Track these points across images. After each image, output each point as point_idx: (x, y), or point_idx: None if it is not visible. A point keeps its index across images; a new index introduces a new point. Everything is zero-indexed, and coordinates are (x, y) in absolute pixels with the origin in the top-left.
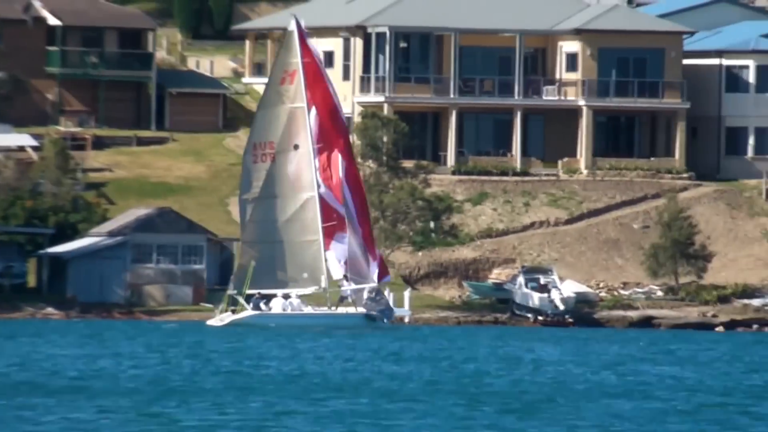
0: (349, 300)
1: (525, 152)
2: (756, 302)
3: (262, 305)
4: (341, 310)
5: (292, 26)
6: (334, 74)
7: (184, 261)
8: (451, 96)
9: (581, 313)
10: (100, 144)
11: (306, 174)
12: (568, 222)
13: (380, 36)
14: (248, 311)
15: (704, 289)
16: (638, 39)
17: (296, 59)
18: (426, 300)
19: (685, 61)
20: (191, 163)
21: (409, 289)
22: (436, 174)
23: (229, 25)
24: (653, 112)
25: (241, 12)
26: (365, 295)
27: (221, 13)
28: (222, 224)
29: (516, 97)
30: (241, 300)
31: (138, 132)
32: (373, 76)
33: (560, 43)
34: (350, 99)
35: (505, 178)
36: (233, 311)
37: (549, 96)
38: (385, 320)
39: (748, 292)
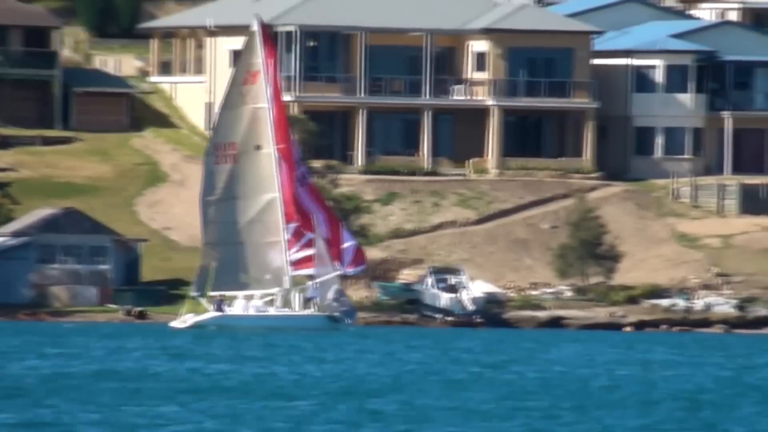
0: (315, 301)
1: (434, 152)
2: (664, 302)
3: (224, 307)
4: (305, 311)
5: (255, 27)
6: None
7: (90, 261)
8: (360, 95)
9: (490, 313)
10: (4, 143)
11: (268, 175)
12: (478, 222)
13: (288, 35)
14: (211, 313)
15: (613, 289)
16: (547, 39)
17: (258, 59)
18: None
19: (594, 61)
20: (97, 163)
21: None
22: (345, 174)
23: (135, 23)
24: (562, 112)
25: (148, 10)
26: (329, 294)
27: (127, 11)
28: (128, 225)
29: (425, 96)
30: (203, 302)
31: (43, 131)
32: (281, 75)
33: (469, 43)
34: None
35: (414, 178)
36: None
37: (458, 96)
38: (348, 321)
39: (656, 292)
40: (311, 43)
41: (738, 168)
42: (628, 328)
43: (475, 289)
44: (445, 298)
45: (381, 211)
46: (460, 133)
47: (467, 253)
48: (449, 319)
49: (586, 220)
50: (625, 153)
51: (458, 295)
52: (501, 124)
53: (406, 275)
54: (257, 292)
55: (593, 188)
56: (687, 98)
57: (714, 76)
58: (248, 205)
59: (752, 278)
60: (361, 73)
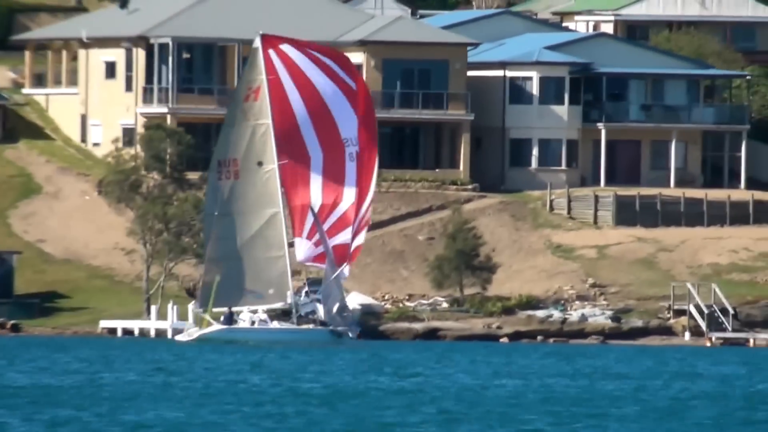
0: (316, 316)
1: None
2: (540, 314)
3: (236, 319)
4: (306, 325)
5: (257, 43)
6: (116, 85)
7: None
8: None
9: (367, 325)
10: None
11: (270, 191)
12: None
13: (163, 47)
14: (216, 326)
15: (489, 300)
16: (423, 50)
17: (261, 75)
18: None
19: (470, 73)
20: None
21: (193, 302)
22: None
23: (8, 35)
24: (438, 124)
25: (21, 22)
26: (334, 309)
27: (0, 22)
28: (1, 237)
29: None
30: (207, 317)
31: None
32: (156, 87)
33: (345, 55)
34: (133, 110)
35: None
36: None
37: None
38: (350, 335)
39: (532, 303)
40: (186, 55)
41: (612, 179)
42: (504, 339)
43: (350, 301)
44: (320, 310)
45: None
46: None
47: None
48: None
49: (462, 232)
50: (500, 164)
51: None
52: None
53: None
54: (261, 307)
55: (469, 200)
56: (562, 110)
57: (588, 87)
58: (251, 221)
59: (627, 289)
60: (236, 84)
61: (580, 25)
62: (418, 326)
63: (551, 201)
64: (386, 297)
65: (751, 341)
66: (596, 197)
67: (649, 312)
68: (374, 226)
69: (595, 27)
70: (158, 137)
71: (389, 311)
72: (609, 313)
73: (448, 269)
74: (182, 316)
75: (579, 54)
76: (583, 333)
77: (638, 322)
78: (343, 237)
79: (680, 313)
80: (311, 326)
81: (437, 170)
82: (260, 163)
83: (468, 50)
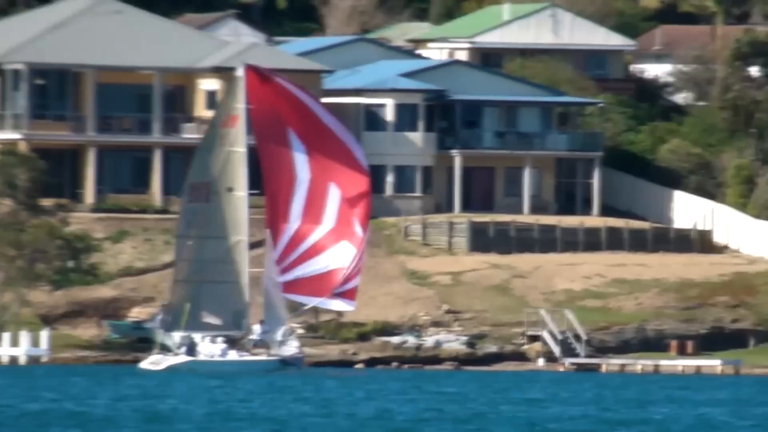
0: (262, 342)
1: (165, 190)
2: (395, 340)
3: (197, 350)
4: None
5: (240, 72)
6: None
7: None
8: (90, 133)
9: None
10: None
11: (238, 217)
12: None
13: (16, 73)
14: (183, 357)
15: (344, 326)
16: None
17: (240, 104)
18: (65, 339)
19: (325, 100)
20: None
21: (47, 329)
22: (75, 212)
23: None
24: None
25: None
26: (278, 336)
27: None
28: None
29: (155, 134)
30: (170, 341)
31: None
32: (9, 113)
33: (199, 81)
34: None
35: (145, 216)
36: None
37: (189, 134)
38: (299, 365)
39: (387, 329)
40: (39, 81)
41: (467, 206)
42: (359, 366)
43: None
44: (176, 336)
45: (111, 249)
46: None
47: None
48: None
49: None
50: None
51: (189, 333)
52: None
53: (136, 313)
54: (218, 334)
55: None
56: (416, 137)
57: (443, 114)
58: (215, 246)
59: (481, 315)
60: (90, 110)
61: (434, 53)
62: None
63: (406, 227)
64: None
65: (603, 367)
66: (451, 224)
67: (503, 338)
68: None
69: (450, 54)
70: (11, 163)
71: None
72: (463, 339)
73: None
74: (35, 342)
75: (434, 81)
76: (437, 359)
77: (493, 348)
78: (315, 266)
79: (534, 338)
80: (264, 356)
81: None
82: (230, 189)
83: (323, 77)
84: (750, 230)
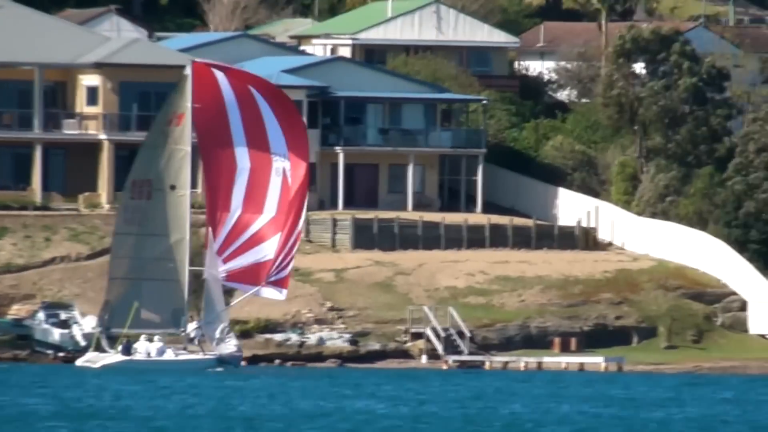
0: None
1: (46, 187)
2: (278, 337)
3: (132, 349)
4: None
5: (188, 70)
6: None
7: None
8: None
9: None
10: None
11: (180, 215)
12: (90, 257)
13: None
14: (118, 356)
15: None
16: (159, 73)
17: (187, 103)
18: None
19: None
20: None
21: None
22: None
23: None
24: None
25: None
26: (216, 333)
27: None
28: None
29: (36, 130)
30: (102, 339)
31: None
32: None
33: (81, 77)
34: None
35: (24, 212)
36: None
37: (70, 130)
38: (237, 363)
39: (270, 327)
40: None
41: (351, 203)
42: (242, 363)
43: (86, 324)
44: (56, 334)
45: None
46: (72, 168)
47: (79, 288)
48: (61, 354)
49: (199, 255)
50: None
51: (70, 330)
52: (113, 159)
53: (16, 310)
54: (155, 332)
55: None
56: None
57: (326, 111)
58: (155, 243)
59: (364, 312)
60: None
61: (317, 49)
62: None
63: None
64: None
65: (487, 364)
66: (334, 221)
67: (386, 335)
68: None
69: (333, 51)
70: None
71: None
72: (347, 336)
73: None
74: None
75: (317, 77)
76: (321, 356)
77: (376, 346)
78: (256, 255)
79: (418, 336)
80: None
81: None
82: (173, 187)
83: None
84: (634, 227)
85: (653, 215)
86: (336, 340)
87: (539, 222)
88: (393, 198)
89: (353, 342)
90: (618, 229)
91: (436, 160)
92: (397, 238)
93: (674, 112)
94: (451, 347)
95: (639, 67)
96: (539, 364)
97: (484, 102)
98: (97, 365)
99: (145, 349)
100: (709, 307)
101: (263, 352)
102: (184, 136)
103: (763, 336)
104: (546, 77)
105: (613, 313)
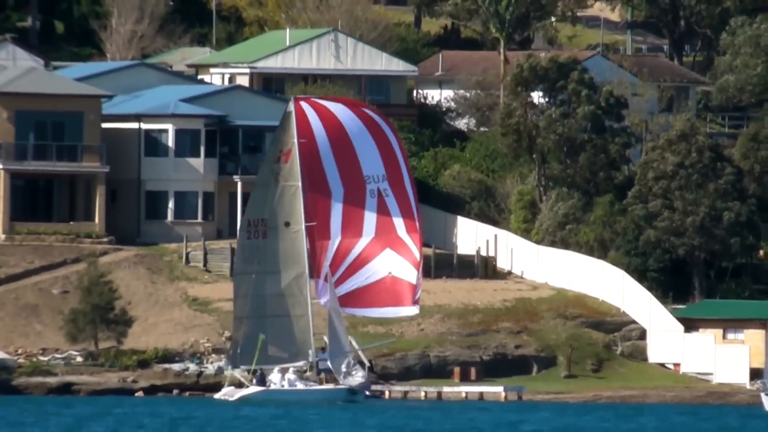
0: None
1: None
2: (176, 367)
3: (267, 380)
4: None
5: (290, 107)
6: None
7: None
8: None
9: None
10: None
11: (297, 250)
12: None
13: None
14: (254, 388)
15: (124, 354)
16: (56, 102)
17: (292, 139)
18: None
19: (105, 125)
20: None
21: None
22: None
23: None
24: (72, 176)
25: None
26: (342, 368)
27: None
28: None
29: None
30: (238, 375)
31: None
32: None
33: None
34: None
35: None
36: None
37: None
38: (366, 392)
39: (168, 356)
40: None
41: None
42: (139, 393)
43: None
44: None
45: None
46: None
47: None
48: None
49: (97, 285)
50: (136, 217)
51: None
52: (9, 189)
53: None
54: (287, 366)
55: (104, 252)
56: (198, 162)
57: (225, 140)
58: (275, 280)
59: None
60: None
61: (215, 78)
62: (52, 380)
63: (187, 254)
64: (19, 351)
65: (387, 393)
66: (232, 250)
67: None
68: (7, 280)
69: (231, 80)
70: None
71: (22, 365)
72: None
73: (82, 323)
74: None
75: (215, 106)
76: (219, 386)
77: None
78: (360, 278)
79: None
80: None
81: (71, 223)
82: (287, 224)
83: (102, 102)
84: (533, 256)
85: (552, 244)
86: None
87: (438, 250)
88: None
89: (253, 372)
90: (517, 257)
91: None
92: None
93: (573, 141)
94: (350, 376)
95: (537, 96)
96: (439, 393)
97: None
98: (235, 398)
99: (279, 380)
100: (609, 336)
101: (161, 382)
102: (293, 172)
103: (662, 365)
104: (444, 106)
105: (512, 342)
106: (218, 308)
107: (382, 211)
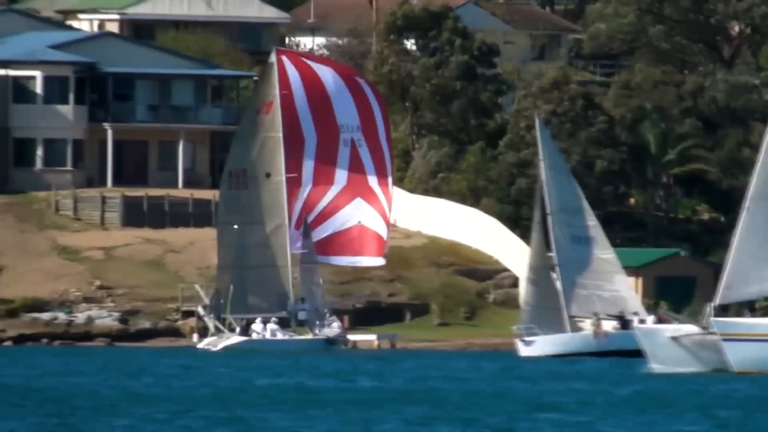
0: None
1: None
2: (45, 316)
3: (251, 331)
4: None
5: (272, 58)
6: None
7: None
8: None
9: None
10: None
11: (277, 201)
12: None
13: None
14: (237, 337)
15: None
16: None
17: (274, 90)
18: None
19: None
20: None
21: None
22: None
23: None
24: None
25: None
26: (317, 319)
27: None
28: None
29: None
30: (213, 324)
31: None
32: None
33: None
34: None
35: None
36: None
37: None
38: (342, 344)
39: (37, 305)
40: None
41: (120, 180)
42: (8, 342)
43: None
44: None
45: None
46: None
47: None
48: None
49: None
50: (4, 165)
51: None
52: None
53: None
54: (265, 316)
55: None
56: (67, 110)
57: (94, 87)
58: (256, 230)
59: (134, 291)
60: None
61: (84, 24)
62: None
63: (57, 202)
64: None
65: None
66: (103, 198)
67: (157, 313)
68: None
69: (101, 26)
70: None
71: None
72: (116, 314)
73: None
74: None
75: (84, 53)
76: (89, 335)
77: (146, 324)
78: (333, 226)
79: (189, 314)
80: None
81: None
82: (268, 175)
83: None
84: (406, 204)
85: (425, 192)
86: (105, 318)
87: None
88: (163, 175)
89: (123, 321)
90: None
91: (207, 137)
92: (168, 215)
93: (446, 89)
94: (327, 327)
95: (410, 44)
96: None
97: (255, 78)
98: (218, 347)
99: (261, 330)
100: (482, 284)
101: (30, 331)
102: (275, 124)
103: None
104: (317, 53)
105: (385, 290)
106: (88, 257)
107: (355, 160)
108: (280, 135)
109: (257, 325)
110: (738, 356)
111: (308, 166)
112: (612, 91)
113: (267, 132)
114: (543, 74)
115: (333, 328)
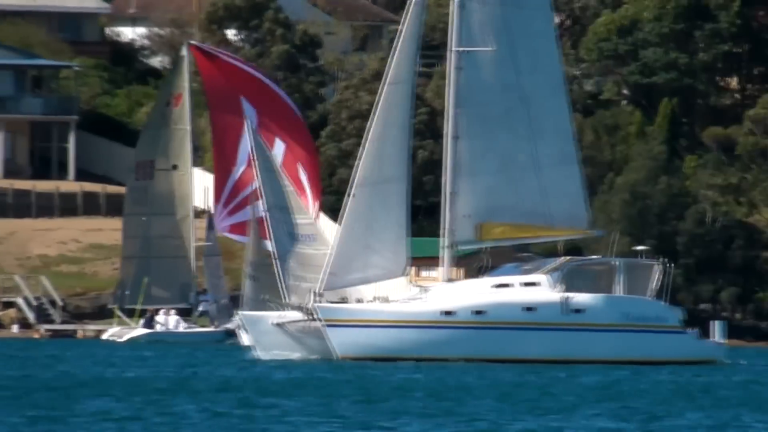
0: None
1: None
2: None
3: (154, 323)
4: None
5: (184, 52)
6: None
7: None
8: None
9: None
10: None
11: (183, 193)
12: None
13: None
14: (141, 329)
15: None
16: None
17: (184, 83)
18: None
19: None
20: None
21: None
22: None
23: None
24: None
25: None
26: (216, 310)
27: None
28: None
29: None
30: (120, 314)
31: None
32: None
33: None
34: None
35: None
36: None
37: None
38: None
39: None
40: None
41: None
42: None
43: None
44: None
45: None
46: None
47: None
48: None
49: None
50: None
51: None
52: None
53: None
54: (170, 306)
55: None
56: None
57: None
58: (161, 222)
59: None
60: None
61: None
62: None
63: None
64: None
65: (80, 332)
66: None
67: None
68: None
69: None
70: None
71: None
72: None
73: None
74: None
75: None
76: None
77: None
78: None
79: (9, 305)
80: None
81: None
82: (175, 166)
83: None
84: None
85: None
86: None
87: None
88: None
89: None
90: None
91: (26, 127)
92: None
93: (270, 79)
94: (42, 316)
95: (232, 34)
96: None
97: (76, 68)
98: (123, 339)
99: (165, 320)
100: None
101: None
102: (183, 116)
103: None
104: (138, 44)
105: None
106: None
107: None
108: (188, 128)
109: (161, 317)
110: (342, 342)
111: (243, 153)
112: (433, 82)
113: (175, 124)
114: (365, 65)
115: (233, 320)
